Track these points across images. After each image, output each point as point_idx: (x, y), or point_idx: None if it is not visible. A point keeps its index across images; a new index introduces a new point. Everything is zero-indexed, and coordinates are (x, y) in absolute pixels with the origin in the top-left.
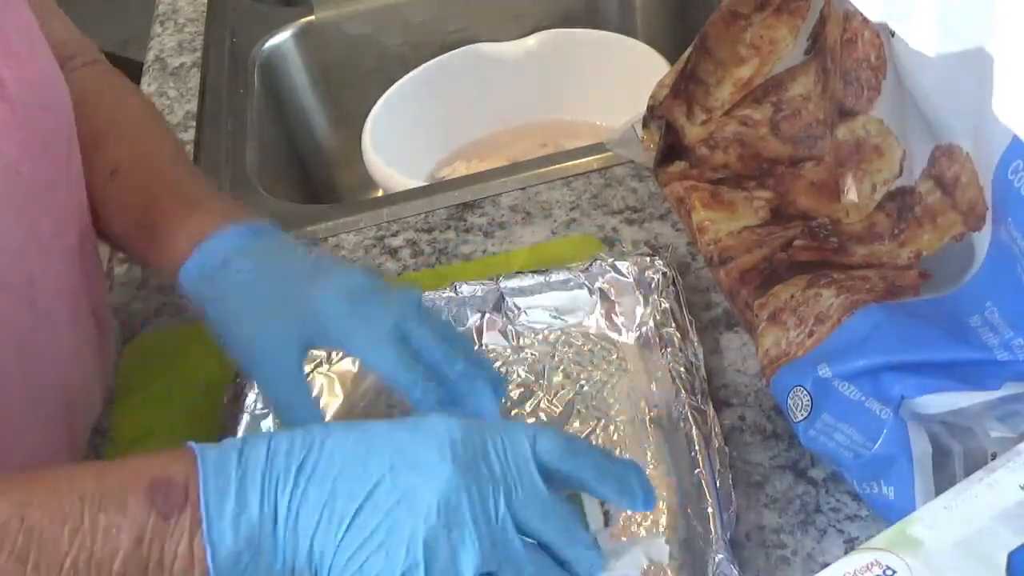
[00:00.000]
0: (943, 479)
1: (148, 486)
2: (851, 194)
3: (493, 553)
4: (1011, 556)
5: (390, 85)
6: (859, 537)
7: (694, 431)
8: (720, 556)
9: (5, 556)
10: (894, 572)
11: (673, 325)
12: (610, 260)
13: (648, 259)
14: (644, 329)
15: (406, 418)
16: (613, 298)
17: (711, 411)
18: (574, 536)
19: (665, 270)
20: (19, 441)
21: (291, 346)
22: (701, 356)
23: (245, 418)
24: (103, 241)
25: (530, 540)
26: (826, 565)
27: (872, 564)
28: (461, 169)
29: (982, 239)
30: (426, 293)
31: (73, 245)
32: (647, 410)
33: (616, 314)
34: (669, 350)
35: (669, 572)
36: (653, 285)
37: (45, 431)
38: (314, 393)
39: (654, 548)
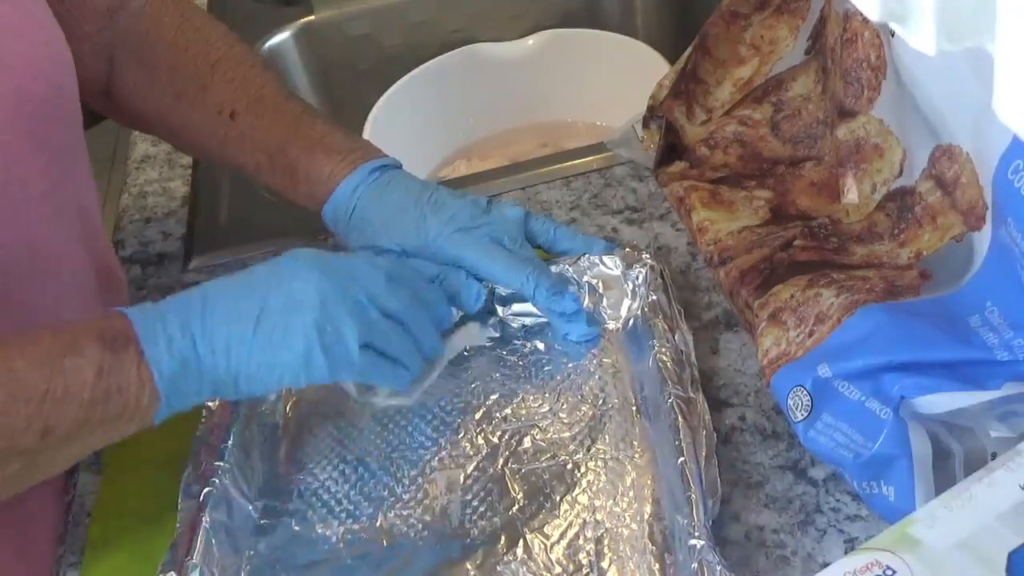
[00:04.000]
0: (943, 479)
1: (98, 335)
2: (851, 194)
3: (366, 327)
4: (1011, 556)
5: (390, 85)
6: (859, 537)
7: (679, 420)
8: (701, 543)
9: None
10: (894, 572)
11: (660, 316)
12: (598, 255)
13: (635, 253)
14: (632, 321)
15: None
16: (601, 291)
17: (701, 400)
18: (420, 319)
19: (652, 263)
20: None
21: None
22: (691, 346)
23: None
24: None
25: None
26: (826, 565)
27: (872, 564)
28: (461, 169)
29: (982, 239)
30: None
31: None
32: (634, 400)
33: (604, 307)
34: (656, 341)
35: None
36: (640, 279)
37: None
38: None
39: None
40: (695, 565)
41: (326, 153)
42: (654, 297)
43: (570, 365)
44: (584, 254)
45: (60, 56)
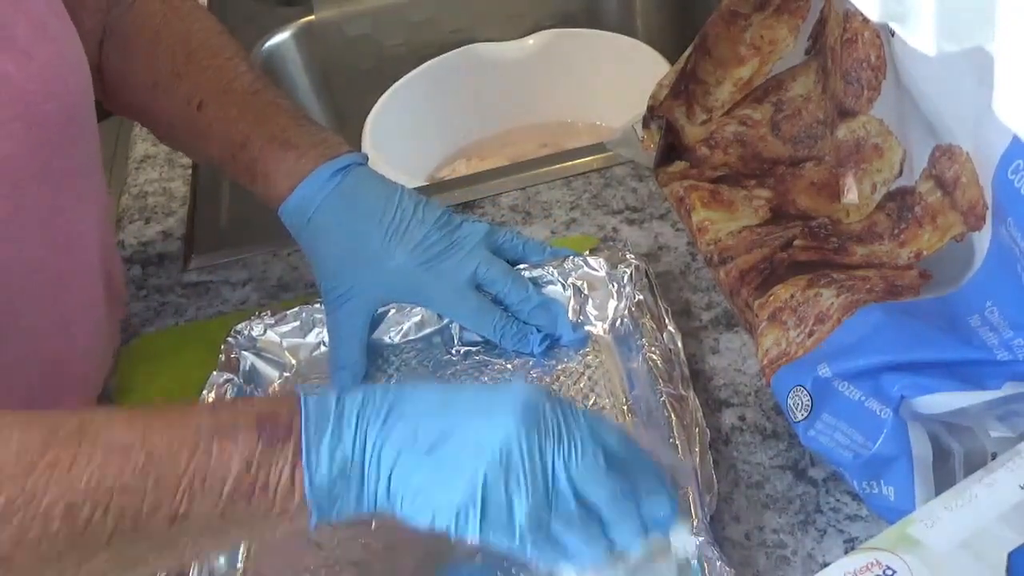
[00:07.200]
0: (943, 479)
1: (256, 420)
2: (851, 194)
3: (545, 505)
4: (1011, 556)
5: (390, 85)
6: (859, 537)
7: (672, 418)
8: (700, 539)
9: (128, 473)
10: (894, 572)
11: (648, 316)
12: (582, 256)
13: (619, 253)
14: (619, 321)
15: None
16: (587, 292)
17: (692, 397)
18: (622, 516)
19: (637, 263)
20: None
21: (366, 305)
22: (680, 345)
23: None
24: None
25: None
26: (826, 565)
27: (872, 564)
28: (461, 169)
29: (982, 239)
30: None
31: (79, 233)
32: (625, 400)
33: (591, 308)
34: (645, 340)
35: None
36: (626, 279)
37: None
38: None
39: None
40: (695, 562)
41: (283, 149)
42: (640, 297)
43: (559, 367)
44: (569, 256)
45: (75, 75)
